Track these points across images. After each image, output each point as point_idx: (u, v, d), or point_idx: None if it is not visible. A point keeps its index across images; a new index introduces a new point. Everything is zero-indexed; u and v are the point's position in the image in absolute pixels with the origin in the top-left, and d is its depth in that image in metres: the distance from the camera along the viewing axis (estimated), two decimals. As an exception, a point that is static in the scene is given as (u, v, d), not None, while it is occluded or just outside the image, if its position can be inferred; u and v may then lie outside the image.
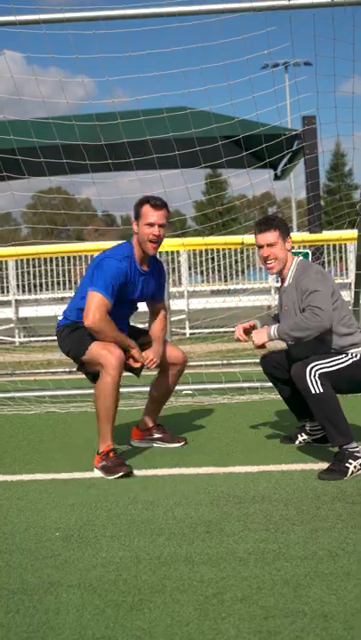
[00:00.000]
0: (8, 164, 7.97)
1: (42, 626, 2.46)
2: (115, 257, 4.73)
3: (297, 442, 5.04)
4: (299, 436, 5.07)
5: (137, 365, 4.82)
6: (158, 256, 5.29)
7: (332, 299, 4.46)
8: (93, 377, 4.75)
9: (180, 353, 5.12)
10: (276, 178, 14.36)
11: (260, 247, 4.68)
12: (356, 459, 4.19)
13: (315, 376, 4.25)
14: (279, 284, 4.89)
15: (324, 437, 4.76)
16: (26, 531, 3.49)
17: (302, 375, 4.27)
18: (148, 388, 5.38)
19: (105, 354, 4.51)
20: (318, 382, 4.24)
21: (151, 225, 4.72)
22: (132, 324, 5.22)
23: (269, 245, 4.64)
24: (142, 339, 4.99)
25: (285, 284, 4.70)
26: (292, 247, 4.77)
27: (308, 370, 4.27)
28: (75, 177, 8.97)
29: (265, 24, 6.33)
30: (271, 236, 4.64)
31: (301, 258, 4.77)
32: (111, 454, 4.45)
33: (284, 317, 4.65)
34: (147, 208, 4.74)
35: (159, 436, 5.25)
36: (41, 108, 7.49)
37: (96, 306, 4.56)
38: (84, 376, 5.08)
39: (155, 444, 5.23)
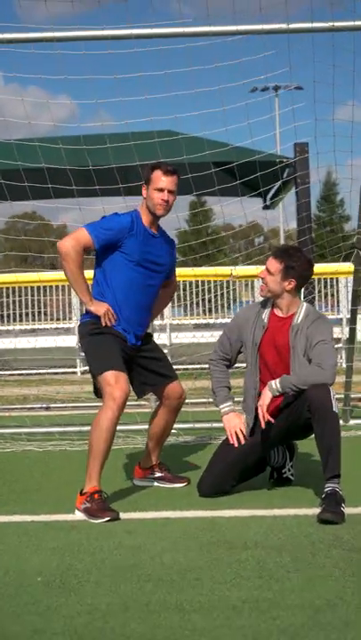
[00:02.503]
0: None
1: (26, 675, 2.47)
2: (117, 214, 4.97)
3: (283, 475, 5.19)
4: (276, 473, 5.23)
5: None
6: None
7: None
8: (97, 391, 4.88)
9: (180, 388, 5.17)
10: (266, 207, 14.49)
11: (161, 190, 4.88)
12: (344, 502, 4.33)
13: (334, 396, 4.54)
14: (266, 305, 4.99)
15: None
16: (5, 575, 3.49)
17: (327, 394, 4.51)
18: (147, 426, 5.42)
19: (113, 385, 4.59)
20: (336, 403, 4.52)
21: (161, 190, 4.85)
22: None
23: (268, 272, 4.85)
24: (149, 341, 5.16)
25: (294, 321, 4.83)
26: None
27: (330, 389, 4.54)
28: (58, 202, 9.03)
29: (263, 48, 6.47)
30: (275, 266, 4.83)
31: (308, 304, 4.99)
32: (96, 496, 4.46)
33: (293, 359, 4.77)
34: (157, 173, 4.88)
35: (160, 475, 5.30)
36: (21, 129, 7.59)
37: (75, 235, 4.80)
38: (61, 412, 5.13)
39: (156, 484, 5.28)
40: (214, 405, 5.24)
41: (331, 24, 6.08)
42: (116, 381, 4.62)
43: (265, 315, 4.94)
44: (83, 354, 5.14)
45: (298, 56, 6.92)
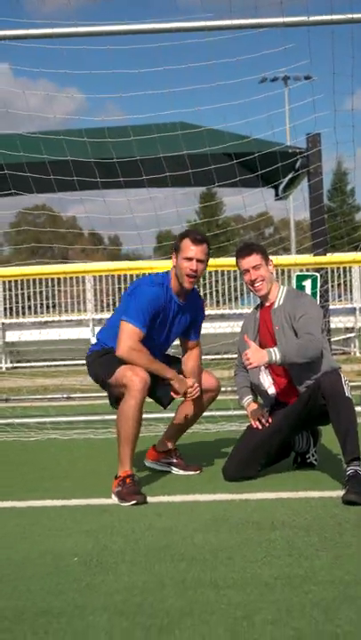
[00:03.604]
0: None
1: (73, 647, 2.58)
2: (148, 284, 4.92)
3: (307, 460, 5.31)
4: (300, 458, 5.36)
5: (177, 397, 4.95)
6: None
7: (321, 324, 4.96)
8: (116, 400, 4.88)
9: (215, 380, 5.28)
10: (278, 198, 14.55)
11: (246, 272, 5.04)
12: None
13: (346, 381, 4.65)
14: (258, 307, 5.24)
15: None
16: (42, 556, 3.60)
17: (338, 379, 4.64)
18: (173, 414, 5.50)
19: (130, 375, 4.64)
20: (349, 388, 4.63)
21: (190, 259, 4.87)
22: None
23: (255, 267, 5.02)
24: (178, 367, 5.14)
25: (275, 306, 5.04)
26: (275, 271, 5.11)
27: (341, 375, 4.69)
28: (63, 194, 9.13)
29: (283, 40, 6.55)
30: (254, 258, 5.03)
31: (288, 286, 5.19)
32: (128, 480, 4.57)
33: (278, 337, 4.95)
34: (186, 242, 4.90)
35: (175, 460, 5.39)
36: (29, 122, 7.69)
37: (127, 335, 4.73)
38: (82, 402, 5.23)
39: (168, 469, 5.38)
40: (238, 403, 5.43)
41: (350, 16, 6.15)
42: (131, 370, 4.69)
43: (257, 312, 5.20)
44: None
45: (314, 47, 6.97)
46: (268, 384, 5.06)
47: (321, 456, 5.34)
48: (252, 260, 5.02)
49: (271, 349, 4.75)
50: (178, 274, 4.93)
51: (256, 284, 5.04)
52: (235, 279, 16.34)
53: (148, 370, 4.72)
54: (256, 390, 5.20)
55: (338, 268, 15.84)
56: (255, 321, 5.18)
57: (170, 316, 4.99)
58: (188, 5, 7.51)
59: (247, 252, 5.06)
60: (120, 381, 4.71)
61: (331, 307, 11.74)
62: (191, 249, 4.88)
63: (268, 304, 5.11)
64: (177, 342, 5.40)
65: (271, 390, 5.06)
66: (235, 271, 13.94)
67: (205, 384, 5.20)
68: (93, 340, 5.20)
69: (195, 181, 8.32)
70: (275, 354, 4.71)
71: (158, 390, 5.05)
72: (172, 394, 4.92)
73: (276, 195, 14.35)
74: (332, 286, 15.81)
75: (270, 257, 5.22)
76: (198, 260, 4.89)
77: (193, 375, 5.11)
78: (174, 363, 5.19)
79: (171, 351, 5.44)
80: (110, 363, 4.82)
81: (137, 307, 4.79)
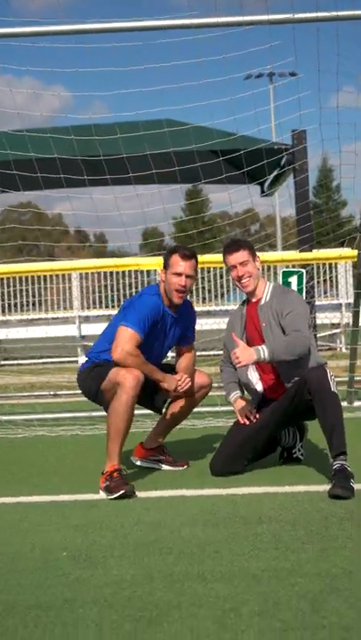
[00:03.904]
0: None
1: (63, 639, 2.60)
2: (149, 293, 5.02)
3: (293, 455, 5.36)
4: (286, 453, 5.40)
5: (171, 394, 4.97)
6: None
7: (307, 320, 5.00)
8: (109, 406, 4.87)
9: (207, 376, 5.34)
10: (264, 195, 14.57)
11: (233, 268, 5.07)
12: (353, 478, 4.47)
13: (332, 377, 4.68)
14: (244, 302, 5.28)
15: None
16: (31, 551, 3.62)
17: (324, 375, 4.68)
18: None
19: (123, 373, 4.68)
20: (335, 383, 4.67)
21: (179, 275, 4.94)
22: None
23: (242, 264, 5.05)
24: (171, 373, 5.15)
25: (262, 302, 5.07)
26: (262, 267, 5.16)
27: (327, 370, 4.72)
28: (50, 192, 9.13)
29: (269, 37, 6.59)
30: (242, 255, 5.06)
31: (275, 282, 5.16)
32: (115, 474, 4.60)
33: (265, 334, 4.98)
34: (175, 258, 4.98)
35: (163, 457, 5.43)
36: (15, 120, 7.70)
37: (125, 339, 4.75)
38: (70, 399, 5.25)
39: (157, 466, 5.41)
40: (225, 399, 5.44)
41: (335, 14, 6.19)
42: (125, 369, 4.72)
43: (244, 308, 5.24)
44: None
45: (300, 45, 7.02)
46: (255, 380, 5.10)
47: (307, 451, 5.39)
48: (240, 256, 5.04)
49: (259, 347, 4.76)
50: (167, 289, 4.99)
51: (243, 281, 5.07)
52: (220, 276, 16.36)
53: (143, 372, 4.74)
54: (244, 387, 5.24)
55: (324, 265, 15.92)
56: (242, 317, 5.20)
57: (166, 327, 5.07)
58: (175, 4, 7.56)
59: (235, 249, 5.08)
60: (113, 380, 4.74)
61: (317, 303, 11.79)
62: (180, 264, 4.95)
63: (254, 300, 5.14)
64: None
65: (259, 387, 5.10)
66: (221, 268, 13.98)
67: (198, 380, 5.25)
68: (82, 342, 5.24)
69: (181, 178, 8.34)
70: (263, 352, 4.73)
71: (156, 400, 5.16)
72: (164, 391, 4.93)
73: (262, 191, 14.36)
74: (318, 282, 15.87)
75: (257, 253, 5.25)
76: (187, 276, 4.97)
77: (184, 371, 5.14)
78: (168, 370, 5.19)
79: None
80: (101, 372, 4.87)
81: (137, 314, 4.84)
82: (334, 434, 4.58)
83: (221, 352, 5.54)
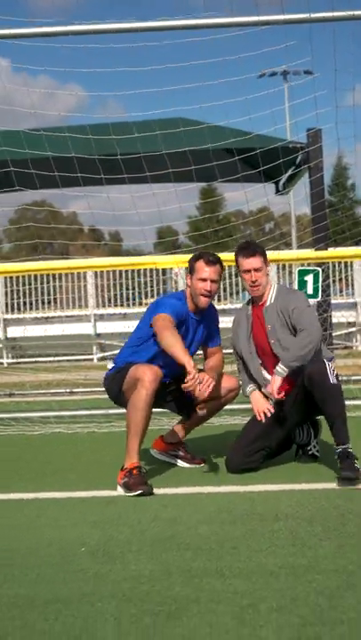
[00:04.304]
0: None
1: (83, 632, 2.63)
2: (170, 297, 5.21)
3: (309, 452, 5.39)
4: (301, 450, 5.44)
5: (188, 386, 4.63)
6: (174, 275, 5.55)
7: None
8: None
9: (235, 380, 5.39)
10: (279, 193, 14.57)
11: (247, 272, 5.17)
12: (357, 459, 4.64)
13: (332, 369, 4.78)
14: (249, 302, 5.39)
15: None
16: (49, 546, 3.65)
17: (323, 368, 4.77)
18: None
19: (142, 368, 4.78)
20: (335, 376, 4.76)
21: (204, 280, 5.05)
22: None
23: (257, 270, 5.15)
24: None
25: (267, 304, 5.19)
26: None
27: (326, 363, 4.80)
28: (66, 190, 9.16)
29: (285, 37, 6.59)
30: (257, 261, 5.16)
31: (279, 284, 5.26)
32: (135, 471, 4.63)
33: (270, 336, 5.11)
34: (200, 264, 5.09)
35: (182, 453, 5.46)
36: (30, 118, 7.74)
37: (162, 318, 4.86)
38: (87, 397, 5.28)
39: (174, 461, 5.44)
40: (242, 393, 5.43)
41: (351, 13, 6.19)
42: (143, 366, 4.82)
43: (250, 308, 5.33)
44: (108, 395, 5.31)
45: (315, 44, 7.01)
46: (270, 379, 5.14)
47: (322, 448, 5.39)
48: (255, 261, 5.15)
49: (276, 369, 4.90)
50: (193, 294, 5.12)
51: (254, 286, 5.18)
52: (235, 274, 16.37)
53: (169, 351, 4.71)
54: (262, 386, 5.28)
55: (339, 263, 15.92)
56: (248, 318, 5.31)
57: (189, 332, 5.14)
58: (191, 4, 7.56)
59: (250, 253, 5.17)
60: (133, 376, 4.82)
61: (333, 301, 11.78)
62: (205, 270, 5.06)
63: (260, 302, 5.25)
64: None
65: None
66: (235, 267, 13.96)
67: (225, 384, 5.30)
68: (97, 340, 5.30)
69: (197, 177, 8.35)
70: (283, 370, 4.87)
71: (184, 405, 5.24)
72: (182, 386, 4.87)
73: (277, 190, 14.38)
74: (334, 281, 15.87)
75: (272, 252, 5.33)
76: (212, 281, 5.08)
77: (211, 370, 5.16)
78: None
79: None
80: (123, 373, 4.97)
81: (166, 306, 4.98)
82: (335, 424, 4.73)
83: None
